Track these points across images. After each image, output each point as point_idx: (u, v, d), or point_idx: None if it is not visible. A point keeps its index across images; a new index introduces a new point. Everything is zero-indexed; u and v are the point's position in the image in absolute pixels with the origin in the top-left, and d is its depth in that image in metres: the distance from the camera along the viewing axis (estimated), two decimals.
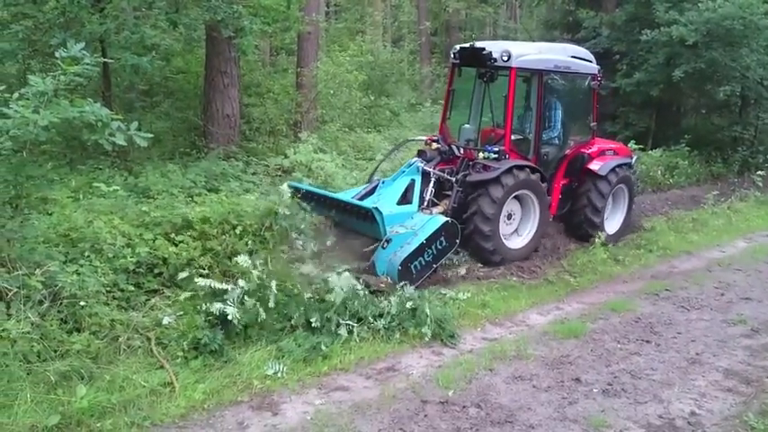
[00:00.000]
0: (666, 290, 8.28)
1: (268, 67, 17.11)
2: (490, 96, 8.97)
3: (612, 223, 10.27)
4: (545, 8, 23.49)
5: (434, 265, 7.62)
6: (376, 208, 7.44)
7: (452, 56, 9.43)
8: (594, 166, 9.68)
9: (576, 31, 19.29)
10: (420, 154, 9.28)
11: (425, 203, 8.54)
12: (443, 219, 7.79)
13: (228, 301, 5.82)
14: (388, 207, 7.97)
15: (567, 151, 9.66)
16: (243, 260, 6.27)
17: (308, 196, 8.11)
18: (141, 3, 9.04)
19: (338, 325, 6.16)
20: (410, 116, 19.32)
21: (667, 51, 15.51)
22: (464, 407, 5.16)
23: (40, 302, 5.30)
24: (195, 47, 13.55)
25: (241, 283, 6.03)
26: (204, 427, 4.73)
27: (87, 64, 5.51)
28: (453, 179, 8.73)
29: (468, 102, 9.74)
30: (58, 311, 5.40)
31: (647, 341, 6.67)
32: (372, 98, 17.51)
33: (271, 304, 6.02)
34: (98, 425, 4.55)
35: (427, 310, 6.47)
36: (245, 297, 5.97)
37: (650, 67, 15.98)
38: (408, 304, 6.53)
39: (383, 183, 8.80)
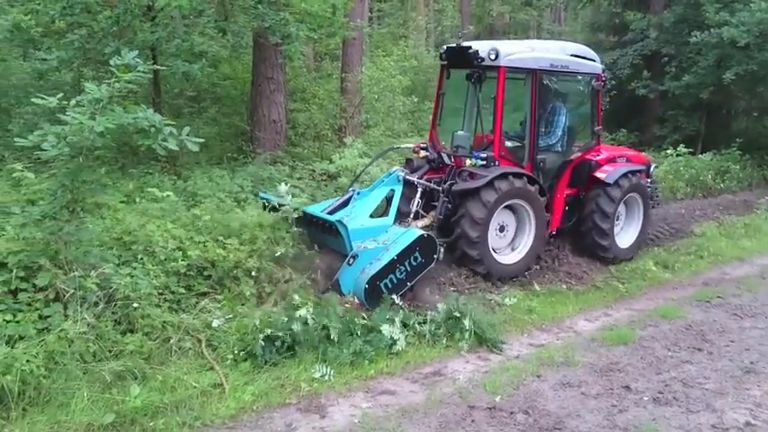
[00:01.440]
0: (718, 297, 8.09)
1: (312, 72, 17.26)
2: (482, 100, 8.23)
3: (626, 237, 9.43)
4: (590, 10, 23.14)
5: (409, 284, 6.92)
6: (339, 221, 6.95)
7: (440, 56, 8.82)
8: (601, 174, 8.88)
9: (622, 34, 19.04)
10: (407, 163, 8.75)
11: (412, 215, 7.98)
12: (418, 232, 7.08)
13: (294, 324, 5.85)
14: (360, 220, 7.46)
15: (570, 158, 8.89)
16: (298, 299, 6.26)
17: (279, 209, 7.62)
18: (191, 11, 9.22)
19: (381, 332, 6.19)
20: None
21: (718, 53, 15.19)
22: (512, 413, 5.13)
23: (96, 304, 5.43)
24: (242, 53, 13.77)
25: (302, 312, 5.99)
26: (253, 429, 4.80)
27: (140, 71, 5.67)
28: (440, 189, 8.07)
29: (461, 106, 9.08)
30: (113, 313, 5.51)
31: (699, 349, 6.53)
32: (416, 102, 17.52)
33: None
34: (151, 424, 4.66)
35: (467, 323, 6.39)
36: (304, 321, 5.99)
37: (700, 70, 15.67)
38: (454, 312, 6.50)
39: (358, 194, 8.11)
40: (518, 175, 7.91)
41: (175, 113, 12.19)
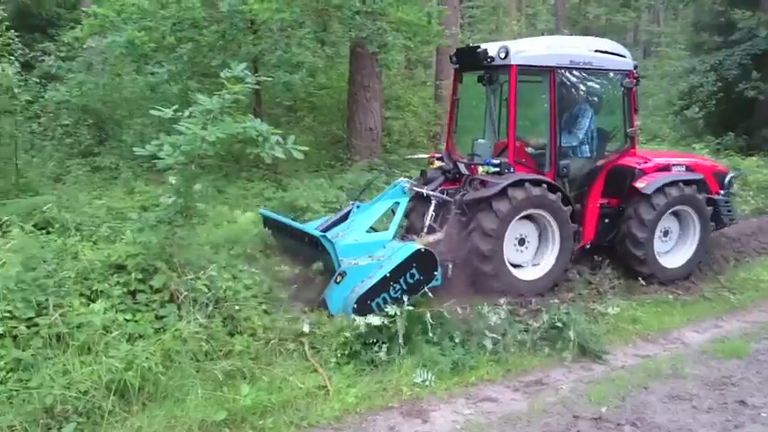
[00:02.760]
0: None
1: (406, 80, 17.44)
2: (500, 103, 7.72)
3: (677, 256, 8.34)
4: (693, 10, 22.23)
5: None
6: (324, 236, 6.46)
7: (450, 60, 8.20)
8: (640, 183, 7.93)
9: (728, 33, 18.19)
10: (421, 174, 8.21)
11: (425, 229, 7.42)
12: (415, 247, 6.56)
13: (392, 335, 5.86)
14: (354, 235, 6.99)
15: (600, 164, 7.97)
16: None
17: (273, 226, 7.39)
18: (292, 23, 9.52)
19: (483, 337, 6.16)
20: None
21: None
22: (618, 424, 4.98)
23: (206, 305, 5.68)
24: (338, 63, 14.09)
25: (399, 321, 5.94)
26: (357, 431, 4.88)
27: (248, 83, 5.92)
28: (452, 200, 7.48)
29: (477, 112, 8.41)
30: (220, 314, 5.75)
31: None
32: None
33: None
34: (260, 423, 4.81)
35: (570, 333, 6.25)
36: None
37: None
38: (556, 322, 6.39)
39: (358, 207, 7.63)
40: (536, 182, 7.21)
41: (274, 123, 12.58)
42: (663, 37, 29.68)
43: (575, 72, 7.78)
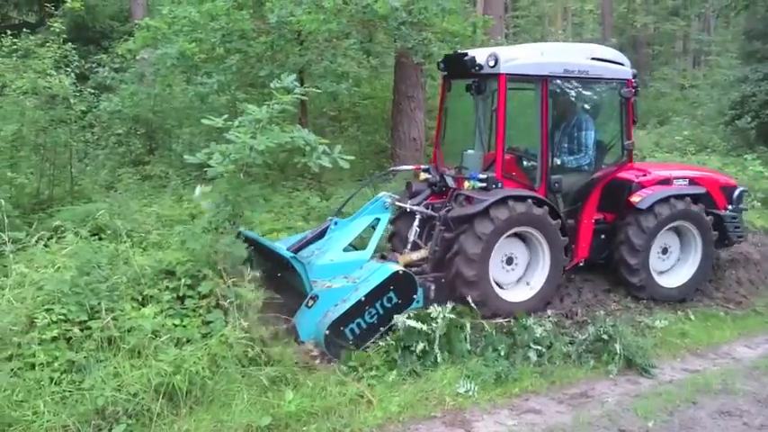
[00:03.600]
0: None
1: None
2: (490, 113, 7.38)
3: (678, 274, 7.84)
4: (744, 18, 21.70)
5: (382, 329, 6.01)
6: (294, 256, 6.08)
7: (438, 66, 7.87)
8: (635, 197, 7.49)
9: None
10: (407, 187, 7.81)
11: (409, 246, 7.12)
12: (392, 269, 6.19)
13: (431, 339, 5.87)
14: (330, 254, 6.70)
15: (595, 177, 7.52)
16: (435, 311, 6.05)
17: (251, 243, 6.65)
18: (338, 33, 9.64)
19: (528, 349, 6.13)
20: None
21: None
22: None
23: (251, 311, 5.76)
24: (382, 73, 14.17)
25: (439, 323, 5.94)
26: None
27: (296, 93, 6.03)
28: (437, 215, 7.07)
29: (467, 121, 7.90)
30: (265, 319, 5.82)
31: None
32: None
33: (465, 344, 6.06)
34: (304, 429, 4.87)
35: (617, 346, 6.17)
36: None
37: None
38: (602, 334, 6.30)
39: (336, 223, 7.18)
40: (520, 198, 6.74)
41: (319, 132, 12.69)
42: (713, 46, 29.09)
43: (569, 81, 7.30)
